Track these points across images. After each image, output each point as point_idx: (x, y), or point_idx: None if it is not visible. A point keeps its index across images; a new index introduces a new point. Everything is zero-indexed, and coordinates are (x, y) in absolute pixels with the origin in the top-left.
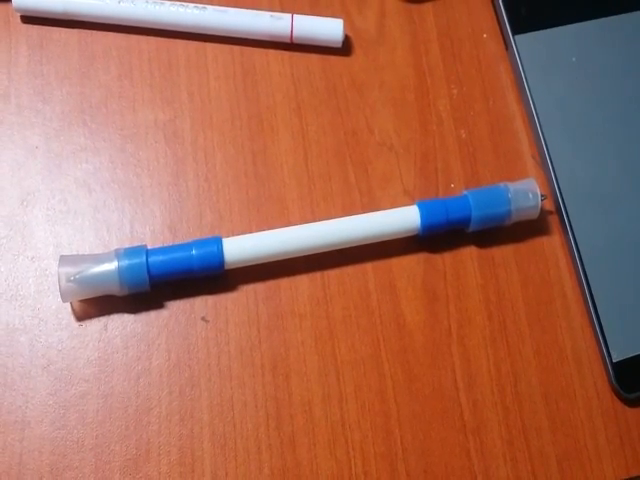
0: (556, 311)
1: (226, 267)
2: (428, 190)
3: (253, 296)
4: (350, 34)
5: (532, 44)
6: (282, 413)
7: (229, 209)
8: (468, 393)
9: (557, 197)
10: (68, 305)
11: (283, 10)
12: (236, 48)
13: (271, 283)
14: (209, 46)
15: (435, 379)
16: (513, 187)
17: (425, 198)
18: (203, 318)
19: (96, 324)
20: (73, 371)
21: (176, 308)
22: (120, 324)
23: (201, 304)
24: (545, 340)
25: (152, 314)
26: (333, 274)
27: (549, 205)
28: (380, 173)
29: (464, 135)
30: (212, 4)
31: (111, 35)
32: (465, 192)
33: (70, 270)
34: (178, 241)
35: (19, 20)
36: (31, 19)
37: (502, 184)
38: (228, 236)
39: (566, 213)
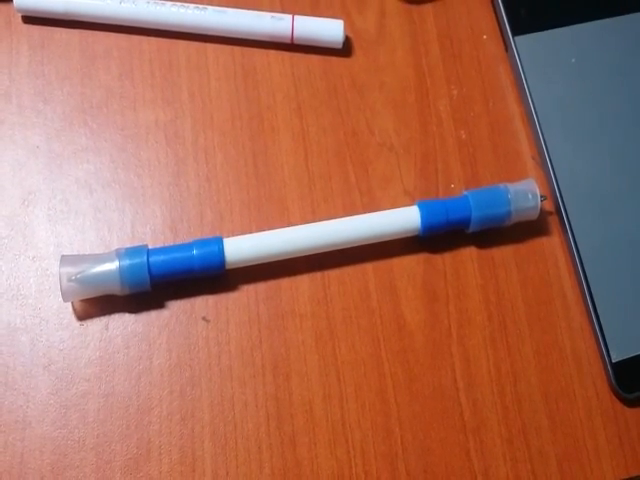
0: (556, 311)
1: (227, 267)
2: (428, 190)
3: (254, 296)
4: (350, 35)
5: (532, 45)
6: (283, 413)
7: (230, 209)
8: (468, 393)
9: (557, 198)
10: (69, 305)
11: (284, 11)
12: (237, 49)
13: (272, 283)
14: (210, 47)
15: (435, 379)
16: (513, 188)
17: (425, 198)
18: (204, 318)
19: (97, 324)
20: (74, 370)
21: (177, 308)
22: (121, 324)
23: (202, 304)
24: (545, 340)
25: (153, 314)
26: (334, 274)
27: (549, 206)
28: (380, 173)
29: (464, 136)
30: (213, 5)
31: (112, 35)
32: (465, 193)
33: (71, 270)
34: (179, 241)
35: (20, 20)
36: (32, 19)
37: (502, 185)
38: (229, 236)
39: (566, 214)
